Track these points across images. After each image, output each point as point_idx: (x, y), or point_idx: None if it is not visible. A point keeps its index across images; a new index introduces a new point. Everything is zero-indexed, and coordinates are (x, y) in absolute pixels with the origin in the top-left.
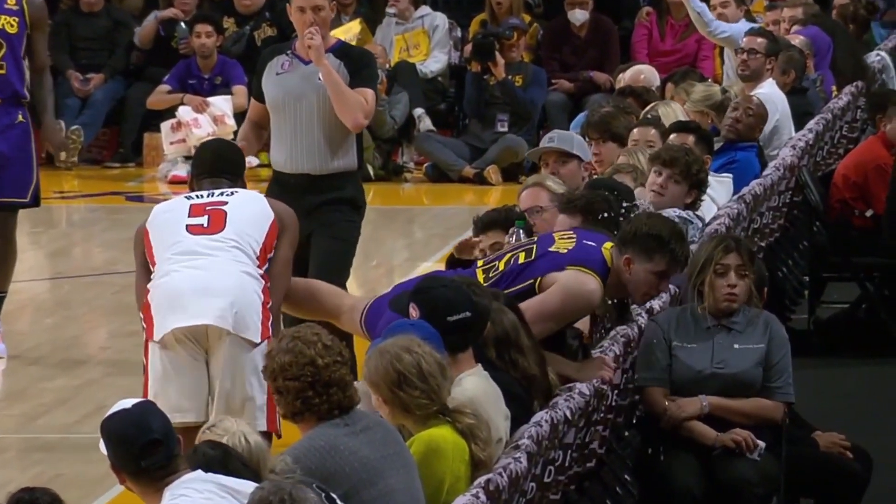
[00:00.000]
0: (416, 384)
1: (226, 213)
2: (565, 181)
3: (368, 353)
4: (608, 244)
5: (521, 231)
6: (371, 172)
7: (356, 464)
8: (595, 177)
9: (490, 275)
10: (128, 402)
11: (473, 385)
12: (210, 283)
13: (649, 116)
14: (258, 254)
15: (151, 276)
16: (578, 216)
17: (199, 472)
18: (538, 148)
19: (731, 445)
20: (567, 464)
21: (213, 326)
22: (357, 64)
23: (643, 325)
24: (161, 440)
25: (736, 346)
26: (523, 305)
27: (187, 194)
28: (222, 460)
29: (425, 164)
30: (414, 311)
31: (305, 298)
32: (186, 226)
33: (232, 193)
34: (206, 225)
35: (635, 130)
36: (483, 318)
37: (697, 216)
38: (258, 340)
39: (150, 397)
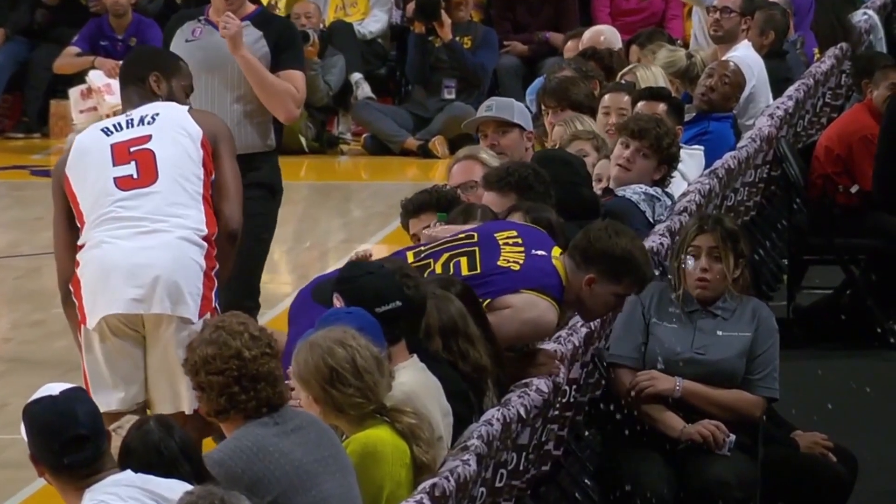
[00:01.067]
0: (350, 381)
1: (153, 154)
2: (507, 153)
3: (298, 347)
4: (557, 251)
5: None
6: (304, 144)
7: (287, 467)
8: (546, 148)
9: (425, 275)
10: (55, 388)
11: (410, 378)
12: (144, 260)
13: (623, 81)
14: (201, 192)
15: (80, 238)
16: (512, 194)
17: (128, 473)
18: (474, 118)
19: (698, 439)
20: (521, 466)
21: (148, 314)
22: (279, 38)
23: None
24: (87, 436)
25: (720, 332)
26: None
27: (104, 125)
28: (158, 445)
29: (364, 136)
30: (338, 303)
31: None
32: (115, 179)
33: (153, 119)
34: (136, 176)
35: (606, 97)
36: (416, 308)
37: (666, 193)
38: (195, 320)
39: (88, 383)
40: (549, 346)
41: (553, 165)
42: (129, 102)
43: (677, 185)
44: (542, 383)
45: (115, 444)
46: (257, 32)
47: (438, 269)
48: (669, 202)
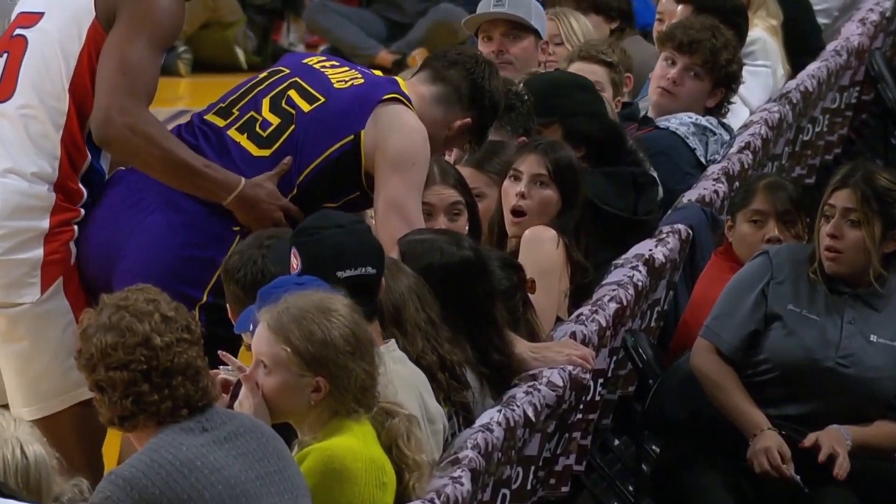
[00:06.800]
0: (370, 355)
1: (25, 46)
2: (515, 65)
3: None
4: (378, 73)
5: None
6: (241, 60)
7: (220, 486)
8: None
9: (264, 133)
10: None
11: (390, 372)
12: None
13: None
14: (64, 112)
15: None
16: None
17: None
18: (479, 13)
19: (765, 467)
20: (529, 485)
21: None
22: None
23: (638, 280)
24: None
25: (873, 337)
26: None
27: None
28: None
29: (321, 47)
30: (295, 261)
31: None
32: None
33: None
34: None
35: None
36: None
37: (723, 125)
38: (33, 299)
39: None
40: (566, 328)
41: (567, 92)
42: None
43: (737, 114)
44: (554, 374)
45: None
46: None
47: (272, 118)
48: (727, 136)
